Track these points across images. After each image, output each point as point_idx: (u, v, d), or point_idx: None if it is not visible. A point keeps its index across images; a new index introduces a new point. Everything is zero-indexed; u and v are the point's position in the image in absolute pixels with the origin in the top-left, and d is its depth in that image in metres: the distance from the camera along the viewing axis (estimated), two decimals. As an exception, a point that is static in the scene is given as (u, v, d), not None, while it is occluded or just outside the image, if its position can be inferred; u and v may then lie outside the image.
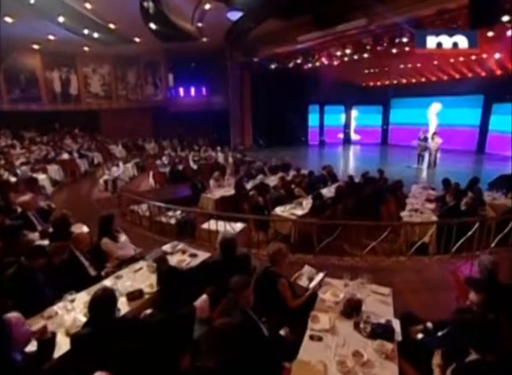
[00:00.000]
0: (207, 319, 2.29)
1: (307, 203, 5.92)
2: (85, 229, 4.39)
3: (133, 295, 2.61)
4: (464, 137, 15.57)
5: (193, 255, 3.47)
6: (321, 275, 2.79)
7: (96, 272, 3.16)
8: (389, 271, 4.25)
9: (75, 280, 2.91)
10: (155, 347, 1.93)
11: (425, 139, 12.24)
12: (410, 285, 3.85)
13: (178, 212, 5.70)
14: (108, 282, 2.93)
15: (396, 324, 2.24)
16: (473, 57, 12.27)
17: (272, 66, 14.94)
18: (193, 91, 16.87)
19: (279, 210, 5.70)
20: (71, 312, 2.45)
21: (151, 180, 10.16)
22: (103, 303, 1.99)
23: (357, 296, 2.54)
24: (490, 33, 8.86)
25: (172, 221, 5.64)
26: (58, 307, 2.51)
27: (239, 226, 5.16)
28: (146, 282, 2.87)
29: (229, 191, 7.24)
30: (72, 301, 2.58)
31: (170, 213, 5.85)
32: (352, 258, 4.53)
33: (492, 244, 4.60)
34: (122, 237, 3.72)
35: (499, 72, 13.40)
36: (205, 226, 5.18)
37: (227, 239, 2.89)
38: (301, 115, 18.12)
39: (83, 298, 2.62)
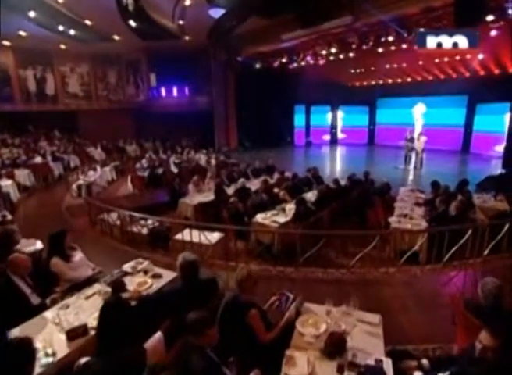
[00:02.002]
0: (160, 364, 1.87)
1: (291, 209, 5.55)
2: (39, 245, 3.92)
3: (75, 332, 2.16)
4: (449, 137, 15.60)
5: (157, 276, 3.03)
6: (297, 301, 2.40)
7: (40, 300, 2.69)
8: (378, 284, 3.92)
9: (12, 311, 2.44)
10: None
11: (412, 139, 12.11)
12: (401, 301, 3.52)
13: (150, 222, 5.23)
14: (50, 313, 2.47)
15: (388, 365, 1.88)
16: (457, 57, 12.27)
17: (257, 66, 14.62)
18: (175, 91, 16.37)
19: (260, 217, 5.31)
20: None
21: (130, 185, 9.63)
22: (11, 361, 1.55)
23: (342, 327, 2.17)
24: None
25: (144, 231, 5.18)
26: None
27: (216, 236, 4.76)
28: (96, 313, 2.41)
29: (209, 196, 6.80)
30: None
31: (143, 222, 5.38)
32: (337, 271, 4.18)
33: (485, 252, 4.33)
34: (77, 256, 3.24)
35: (482, 72, 13.45)
36: (179, 236, 4.74)
37: (188, 262, 2.45)
38: (287, 115, 17.81)
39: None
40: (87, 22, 11.81)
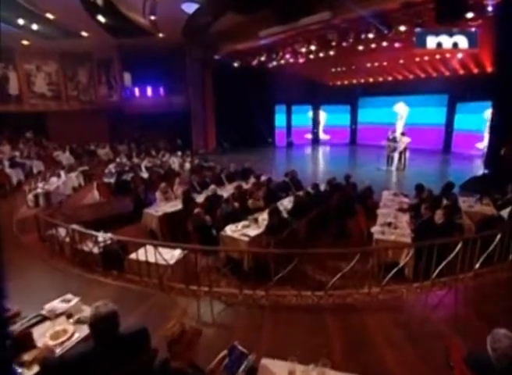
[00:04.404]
0: None
1: (264, 219, 5.00)
2: None
3: None
4: (430, 137, 15.51)
5: (83, 321, 2.37)
6: (249, 359, 1.84)
7: None
8: (359, 311, 3.40)
9: None
10: None
11: (394, 139, 11.81)
12: (386, 332, 3.01)
13: (101, 238, 4.54)
14: None
15: None
16: (437, 56, 12.10)
17: (235, 64, 14.07)
18: (150, 91, 15.62)
19: (229, 230, 4.74)
20: None
21: (96, 193, 8.86)
22: None
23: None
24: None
25: (96, 250, 4.49)
26: None
27: (176, 254, 4.15)
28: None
29: (177, 205, 6.17)
30: None
31: (95, 238, 4.69)
32: (313, 294, 3.63)
33: (477, 265, 3.90)
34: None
35: (462, 71, 13.37)
36: (134, 256, 4.10)
37: (100, 318, 1.70)
38: (267, 115, 17.32)
39: None
40: (49, 15, 10.93)
